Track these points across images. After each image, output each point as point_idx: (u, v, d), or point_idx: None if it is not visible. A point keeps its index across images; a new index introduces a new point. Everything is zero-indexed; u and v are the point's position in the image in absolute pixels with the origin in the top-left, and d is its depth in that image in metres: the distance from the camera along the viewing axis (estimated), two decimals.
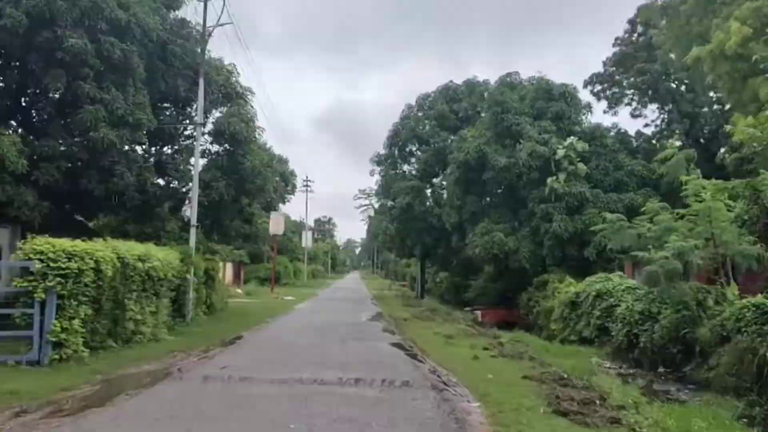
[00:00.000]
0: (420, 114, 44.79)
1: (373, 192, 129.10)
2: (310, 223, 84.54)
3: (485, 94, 42.90)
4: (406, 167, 45.93)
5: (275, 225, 45.97)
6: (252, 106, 23.58)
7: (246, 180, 23.16)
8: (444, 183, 44.22)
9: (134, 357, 12.73)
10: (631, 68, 48.37)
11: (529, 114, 32.33)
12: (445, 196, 43.62)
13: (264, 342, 16.61)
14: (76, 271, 11.19)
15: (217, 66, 23.35)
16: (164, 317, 16.83)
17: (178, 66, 20.57)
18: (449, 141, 41.31)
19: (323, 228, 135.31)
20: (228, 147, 23.60)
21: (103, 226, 24.41)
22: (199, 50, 20.92)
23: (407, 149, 45.23)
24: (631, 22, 50.18)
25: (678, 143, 48.03)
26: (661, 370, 16.50)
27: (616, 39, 50.43)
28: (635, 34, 50.05)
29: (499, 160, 30.42)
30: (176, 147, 22.07)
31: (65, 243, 11.37)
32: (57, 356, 10.93)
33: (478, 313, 30.38)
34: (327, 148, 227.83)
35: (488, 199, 32.32)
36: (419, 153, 44.76)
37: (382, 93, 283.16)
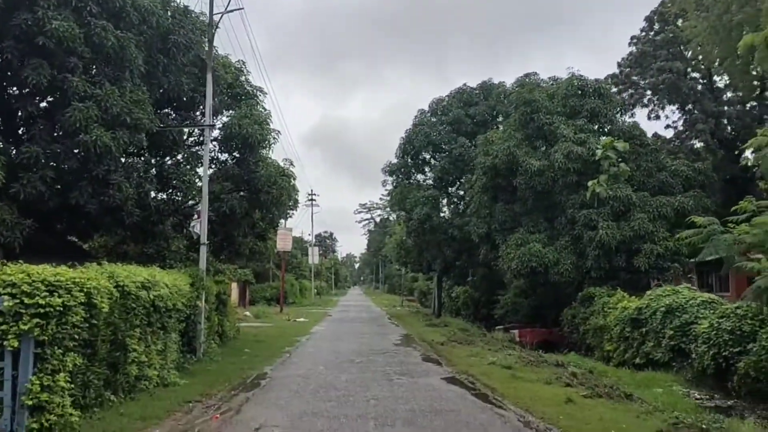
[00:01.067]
0: (434, 119, 42.12)
1: (384, 203, 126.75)
2: (312, 240, 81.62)
3: (504, 96, 40.48)
4: (420, 177, 43.19)
5: (283, 241, 43.17)
6: (264, 108, 20.75)
7: (260, 190, 20.38)
8: (461, 192, 41.55)
9: (140, 415, 9.85)
10: (649, 68, 45.99)
11: (562, 113, 29.65)
12: (461, 205, 40.99)
13: (294, 382, 13.71)
14: (61, 308, 8.23)
15: (225, 63, 20.61)
16: (174, 355, 13.98)
17: (182, 60, 17.83)
18: (467, 147, 38.63)
19: (325, 243, 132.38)
20: (239, 154, 20.85)
21: (99, 247, 21.57)
22: (205, 41, 18.17)
23: (421, 157, 42.47)
24: (649, 20, 47.85)
25: (699, 144, 45.71)
26: None
27: (632, 38, 48.11)
28: (652, 32, 47.80)
29: (532, 163, 27.68)
30: (180, 155, 19.21)
31: (46, 271, 8.42)
32: (36, 425, 8.02)
33: (516, 332, 27.52)
34: (317, 165, 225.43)
35: (520, 206, 29.51)
36: (434, 161, 42.05)
37: (368, 110, 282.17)
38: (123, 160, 16.36)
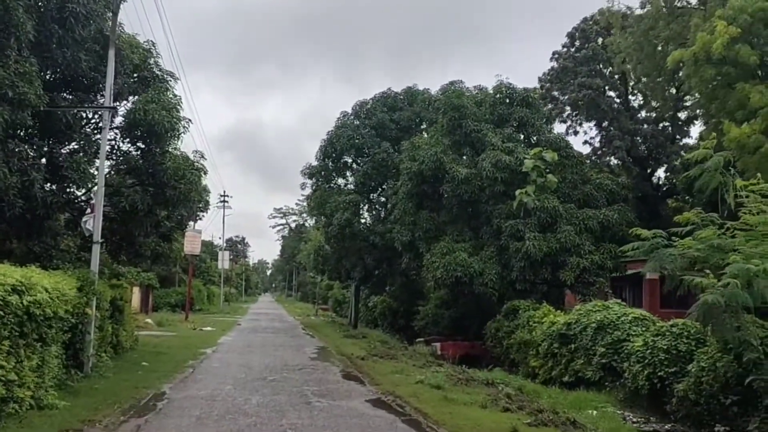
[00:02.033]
0: (357, 122, 40.69)
1: (301, 209, 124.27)
2: (223, 243, 78.34)
3: (429, 103, 39.57)
4: (341, 181, 41.62)
5: (191, 244, 40.52)
6: (174, 94, 18.65)
7: (166, 185, 18.28)
8: (383, 198, 40.30)
9: None
10: (570, 83, 46.48)
11: (490, 120, 28.89)
12: (383, 212, 39.72)
13: (196, 405, 11.82)
14: None
15: (132, 42, 18.42)
16: (54, 371, 11.82)
17: (81, 33, 15.58)
18: (391, 152, 37.41)
19: (237, 248, 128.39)
20: (143, 144, 18.68)
21: None
22: (109, 14, 16.00)
23: (343, 161, 40.93)
24: (571, 36, 48.41)
25: (615, 161, 46.54)
26: (720, 430, 12.95)
27: (554, 53, 48.52)
28: (573, 48, 48.38)
29: (459, 170, 26.72)
30: (75, 142, 16.85)
31: None
32: None
33: (437, 345, 26.36)
34: (228, 169, 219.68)
35: (445, 214, 28.47)
36: (356, 165, 40.60)
37: (281, 115, 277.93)
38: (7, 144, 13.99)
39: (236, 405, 11.83)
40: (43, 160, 16.55)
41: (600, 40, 46.19)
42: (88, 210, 15.28)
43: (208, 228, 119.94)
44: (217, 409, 11.42)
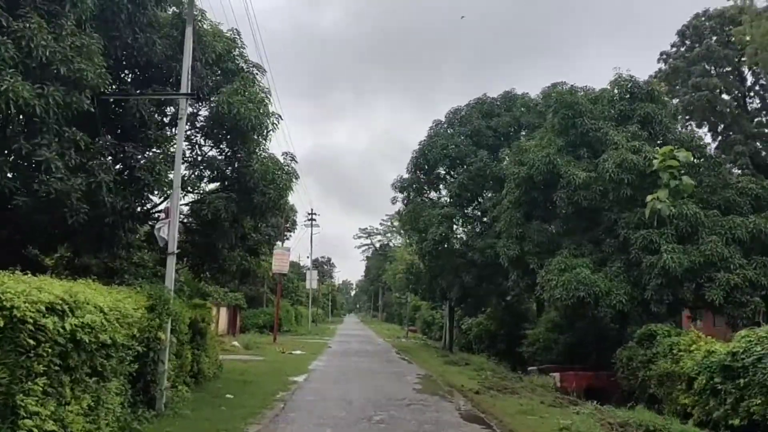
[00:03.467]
0: (451, 131, 37.89)
1: (385, 228, 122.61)
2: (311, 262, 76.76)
3: (529, 107, 36.40)
4: (434, 194, 38.83)
5: (279, 262, 38.55)
6: (262, 87, 16.38)
7: (253, 190, 15.96)
8: (478, 212, 37.16)
9: None
10: (683, 84, 42.22)
11: (609, 118, 25.40)
12: (478, 226, 36.55)
13: None
14: None
15: (215, 31, 16.31)
16: (114, 412, 9.43)
17: (155, 13, 13.52)
18: (488, 161, 34.36)
19: (323, 269, 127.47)
20: (227, 145, 16.50)
21: (59, 260, 17.03)
22: None
23: (436, 172, 38.16)
24: (681, 34, 44.10)
25: (736, 170, 41.44)
26: None
27: (662, 54, 44.41)
28: (684, 47, 44.09)
29: (576, 173, 23.35)
30: (149, 139, 14.72)
31: None
32: None
33: (556, 376, 22.88)
34: (307, 193, 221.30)
35: (559, 225, 25.13)
36: (450, 177, 37.69)
37: (355, 139, 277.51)
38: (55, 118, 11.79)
39: None
40: (108, 157, 14.39)
41: (714, 38, 41.88)
42: (162, 215, 13.03)
43: (295, 247, 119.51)
44: None
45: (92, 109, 11.17)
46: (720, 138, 42.07)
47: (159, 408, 11.89)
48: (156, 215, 16.36)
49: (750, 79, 43.10)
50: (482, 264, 31.97)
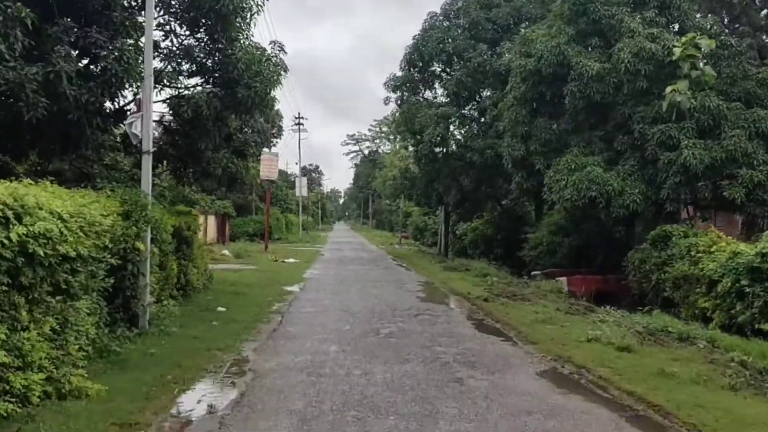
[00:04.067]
0: (447, 23, 35.41)
1: (374, 134, 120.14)
2: (299, 168, 75.02)
3: None
4: (429, 94, 36.74)
5: (268, 168, 36.82)
6: None
7: (237, 83, 14.13)
8: (475, 113, 35.23)
9: None
10: None
11: (624, 3, 23.25)
12: (475, 127, 34.70)
13: (295, 385, 7.92)
14: None
15: None
16: (88, 333, 8.06)
17: None
18: (488, 55, 32.22)
19: (311, 177, 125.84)
20: (206, 31, 14.50)
21: (30, 167, 15.28)
22: None
23: (431, 70, 35.92)
24: None
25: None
26: None
27: None
28: None
29: (589, 65, 21.46)
30: (115, 24, 12.66)
31: None
32: None
33: (563, 280, 21.84)
34: (293, 94, 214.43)
35: (569, 122, 23.44)
36: (446, 75, 35.50)
37: (336, 42, 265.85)
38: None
39: (355, 385, 7.82)
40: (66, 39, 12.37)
41: None
42: (133, 108, 11.25)
43: (282, 154, 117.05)
44: (329, 394, 7.43)
45: None
46: (727, 30, 39.84)
47: (142, 326, 10.59)
48: (124, 109, 14.59)
49: None
50: (482, 166, 30.50)
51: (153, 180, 15.13)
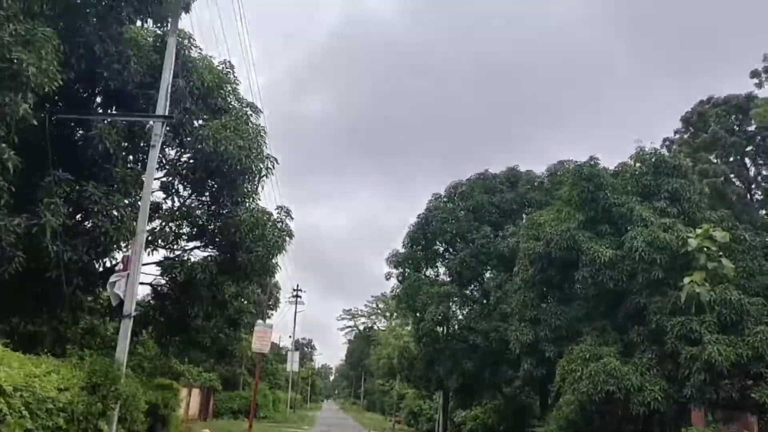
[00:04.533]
0: (451, 205, 35.63)
1: (370, 310, 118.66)
2: (292, 343, 72.73)
3: (534, 185, 34.46)
4: (431, 272, 36.08)
5: (260, 340, 34.75)
6: (255, 126, 13.93)
7: (238, 247, 13.28)
8: (477, 293, 34.33)
9: None
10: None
11: (633, 193, 23.18)
12: (476, 308, 33.52)
13: None
14: None
15: (204, 62, 14.01)
16: None
17: (129, 29, 11.16)
18: (491, 237, 32.03)
19: (303, 351, 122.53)
20: (211, 194, 13.91)
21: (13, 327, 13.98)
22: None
23: (434, 248, 35.59)
24: (686, 120, 42.82)
25: None
26: None
27: (665, 140, 42.82)
28: (688, 134, 42.86)
29: (601, 251, 20.86)
30: (113, 179, 12.05)
31: None
32: None
33: None
34: (292, 265, 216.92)
35: (579, 308, 22.41)
36: (449, 255, 35.09)
37: (334, 222, 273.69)
38: None
39: None
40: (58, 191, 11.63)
41: (719, 126, 40.54)
42: (119, 266, 10.22)
43: (277, 326, 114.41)
44: None
45: (35, 123, 8.53)
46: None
47: None
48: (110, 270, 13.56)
49: (752, 170, 41.70)
50: (485, 350, 29.03)
51: (135, 348, 13.81)
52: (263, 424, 42.64)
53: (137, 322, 13.70)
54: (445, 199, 36.18)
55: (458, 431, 39.51)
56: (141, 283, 15.09)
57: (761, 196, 41.93)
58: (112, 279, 9.86)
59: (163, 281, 14.59)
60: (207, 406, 41.10)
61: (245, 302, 16.37)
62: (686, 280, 19.25)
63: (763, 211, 40.94)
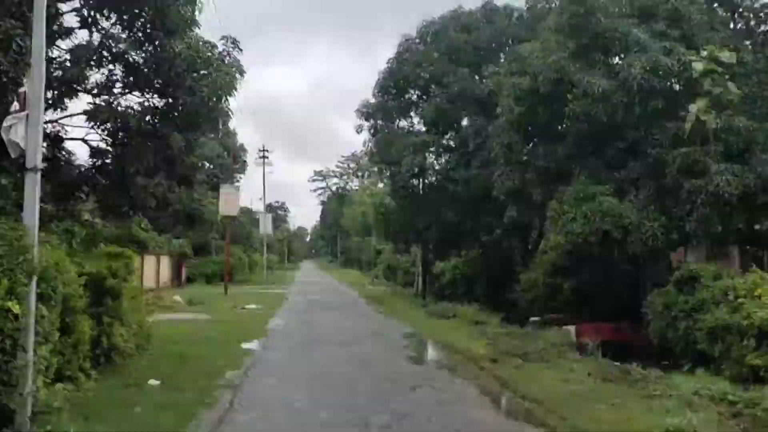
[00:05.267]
0: (423, 48, 32.75)
1: (342, 170, 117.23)
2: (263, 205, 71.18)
3: (514, 19, 31.56)
4: (404, 123, 33.80)
5: (228, 203, 33.41)
6: None
7: (177, 86, 10.89)
8: (454, 143, 32.29)
9: None
10: None
11: (628, 15, 20.74)
12: (455, 156, 31.63)
13: None
14: None
15: None
16: None
17: None
18: (470, 80, 29.67)
19: (277, 214, 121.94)
20: (137, 26, 11.27)
21: None
22: None
23: (407, 97, 33.12)
24: None
25: None
26: None
27: None
28: None
29: (595, 82, 18.74)
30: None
31: None
32: None
33: (571, 330, 18.77)
34: (249, 140, 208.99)
35: (570, 147, 20.64)
36: (423, 102, 32.66)
37: (292, 86, 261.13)
38: None
39: None
40: None
41: None
42: (15, 106, 7.86)
43: (246, 190, 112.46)
44: None
45: None
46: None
47: (21, 425, 7.08)
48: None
49: None
50: (466, 198, 27.53)
51: (82, 216, 11.75)
52: (240, 287, 41.88)
53: (70, 185, 11.56)
54: (417, 41, 33.18)
55: (438, 282, 39.16)
56: (72, 139, 12.85)
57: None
58: (6, 123, 7.54)
59: (97, 136, 12.25)
60: (179, 273, 39.99)
61: (196, 158, 14.03)
62: (691, 107, 17.44)
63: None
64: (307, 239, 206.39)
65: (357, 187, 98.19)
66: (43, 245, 7.98)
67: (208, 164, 57.43)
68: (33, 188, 7.46)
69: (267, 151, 60.77)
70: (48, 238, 8.43)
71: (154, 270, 32.44)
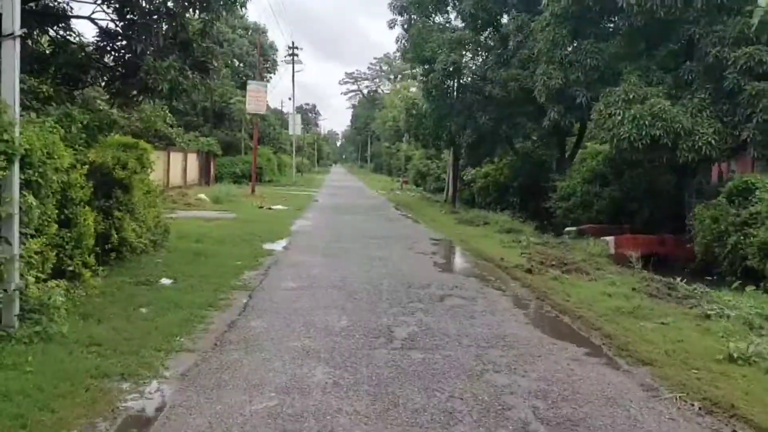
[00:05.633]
0: None
1: (374, 73, 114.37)
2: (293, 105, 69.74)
3: None
4: (439, 19, 31.72)
5: (255, 100, 32.22)
6: None
7: None
8: (492, 42, 30.25)
9: None
10: None
11: None
12: (491, 56, 29.75)
13: None
14: None
15: None
16: None
17: None
18: None
19: (307, 117, 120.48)
20: None
21: None
22: None
23: None
24: None
25: None
26: None
27: None
28: None
29: None
30: None
31: None
32: None
33: (610, 240, 17.72)
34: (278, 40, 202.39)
35: (621, 44, 18.98)
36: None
37: None
38: None
39: None
40: None
41: None
42: None
43: (275, 89, 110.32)
44: None
45: None
46: None
47: (7, 323, 6.47)
48: None
49: None
50: (504, 101, 25.98)
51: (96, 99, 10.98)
52: (268, 187, 41.45)
53: (75, 67, 10.60)
54: None
55: (468, 189, 38.10)
56: (78, 17, 11.79)
57: None
58: None
59: (105, 16, 11.18)
60: (207, 171, 39.46)
61: (213, 44, 12.88)
62: (761, 0, 15.60)
63: None
64: (338, 144, 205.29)
65: (389, 91, 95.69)
66: (28, 126, 7.12)
67: (238, 62, 55.97)
68: (12, 58, 6.50)
69: (297, 48, 58.50)
70: (35, 120, 7.51)
71: (180, 167, 31.87)
